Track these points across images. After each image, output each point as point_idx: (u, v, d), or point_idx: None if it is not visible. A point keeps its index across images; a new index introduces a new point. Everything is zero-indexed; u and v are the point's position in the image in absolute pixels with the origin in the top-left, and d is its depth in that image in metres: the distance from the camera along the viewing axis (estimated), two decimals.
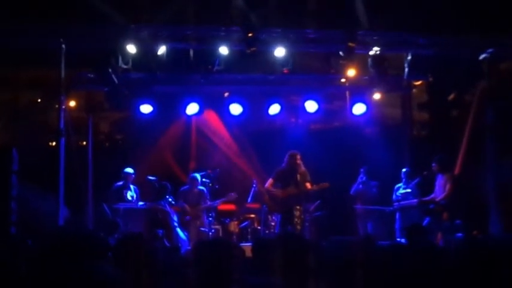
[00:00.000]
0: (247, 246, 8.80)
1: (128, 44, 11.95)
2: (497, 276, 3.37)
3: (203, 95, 14.10)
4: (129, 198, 12.77)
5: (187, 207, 13.03)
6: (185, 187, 13.32)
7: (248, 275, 4.30)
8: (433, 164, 12.59)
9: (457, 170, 13.73)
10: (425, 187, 12.88)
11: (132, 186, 12.96)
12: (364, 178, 13.77)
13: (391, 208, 13.30)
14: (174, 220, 12.63)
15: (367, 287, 3.92)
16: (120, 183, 12.91)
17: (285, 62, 12.74)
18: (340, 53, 12.67)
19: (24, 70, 15.79)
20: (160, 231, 12.04)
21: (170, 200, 12.75)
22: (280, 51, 12.46)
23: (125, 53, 12.05)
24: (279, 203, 12.08)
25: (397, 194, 13.25)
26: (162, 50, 12.16)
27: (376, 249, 5.18)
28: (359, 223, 13.86)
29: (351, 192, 13.93)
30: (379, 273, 4.12)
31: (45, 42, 12.09)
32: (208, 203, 13.17)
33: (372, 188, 13.79)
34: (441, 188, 12.44)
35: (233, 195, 13.32)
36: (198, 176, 13.29)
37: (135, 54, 12.12)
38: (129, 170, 12.98)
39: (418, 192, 13.01)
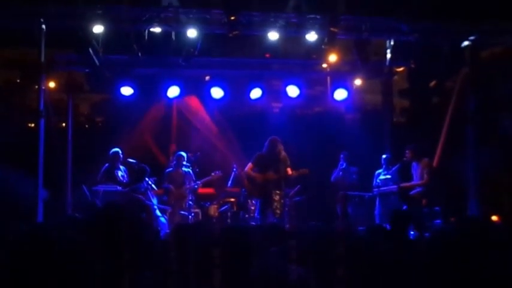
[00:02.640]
0: None
1: (109, 25, 11.84)
2: (468, 263, 3.37)
3: (184, 77, 14.05)
4: (121, 178, 12.69)
5: (172, 188, 12.99)
6: (170, 169, 13.29)
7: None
8: (406, 152, 12.62)
9: (436, 157, 13.81)
10: (405, 173, 12.92)
11: (121, 166, 12.86)
12: (344, 164, 13.80)
13: (371, 194, 13.35)
14: (153, 203, 12.59)
15: (347, 273, 3.91)
16: (109, 163, 12.78)
17: (266, 46, 12.70)
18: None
19: (3, 50, 15.63)
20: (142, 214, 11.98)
21: (150, 182, 12.70)
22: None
23: (105, 34, 11.96)
24: (258, 188, 12.06)
25: (377, 180, 13.29)
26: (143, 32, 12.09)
27: (356, 235, 5.19)
28: (338, 209, 13.91)
29: (331, 178, 13.97)
30: (358, 258, 4.11)
31: (24, 22, 11.95)
32: (193, 183, 13.14)
33: (351, 174, 13.83)
34: (418, 176, 12.48)
35: (218, 173, 13.31)
36: (183, 154, 13.25)
37: (117, 35, 12.02)
38: (117, 149, 12.85)
39: (398, 178, 13.05)
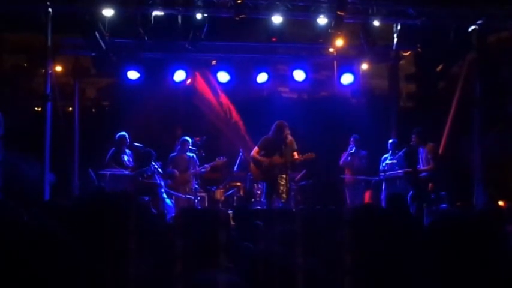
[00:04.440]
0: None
1: (115, 9, 11.83)
2: (469, 250, 3.37)
3: (191, 62, 14.06)
4: (127, 162, 12.72)
5: (176, 172, 13.01)
6: (174, 153, 13.29)
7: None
8: (413, 136, 12.60)
9: (443, 142, 13.80)
10: (411, 158, 12.91)
11: (127, 150, 12.88)
12: (353, 147, 13.69)
13: (377, 178, 13.35)
14: (161, 187, 12.61)
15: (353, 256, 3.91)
16: (116, 147, 12.80)
17: (273, 30, 12.67)
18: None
19: (10, 34, 15.63)
20: (147, 198, 12.01)
21: (157, 166, 12.72)
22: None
23: (106, 18, 11.95)
24: (264, 172, 12.06)
25: (383, 164, 13.29)
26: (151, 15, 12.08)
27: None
28: (347, 193, 13.85)
29: (340, 162, 13.87)
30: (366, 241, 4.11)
31: (31, 6, 11.96)
32: (198, 168, 13.16)
33: (361, 158, 13.70)
34: (424, 161, 12.47)
35: (222, 158, 13.30)
36: (188, 139, 13.25)
37: (123, 19, 12.02)
38: (123, 133, 12.87)
39: (404, 163, 13.03)
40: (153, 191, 12.40)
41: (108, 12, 11.81)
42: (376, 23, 12.81)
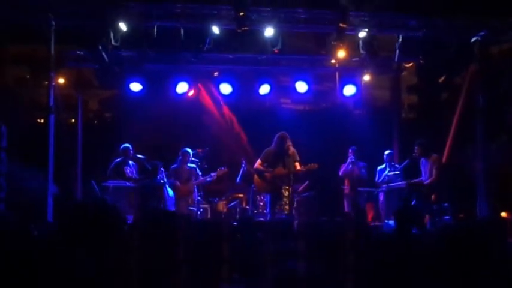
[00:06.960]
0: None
1: (119, 21, 11.86)
2: (475, 260, 3.38)
3: (193, 73, 14.09)
4: (129, 173, 12.72)
5: (178, 184, 12.99)
6: (175, 165, 13.27)
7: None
8: (415, 148, 12.57)
9: (445, 153, 13.79)
10: (414, 169, 12.89)
11: (130, 162, 12.89)
12: (352, 159, 13.67)
13: (380, 190, 13.31)
14: (170, 196, 12.59)
15: (356, 266, 3.93)
16: (119, 159, 12.83)
17: (275, 42, 12.69)
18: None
19: (12, 46, 15.68)
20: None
21: (159, 178, 12.71)
22: (269, 31, 12.38)
23: (115, 31, 11.97)
24: (268, 184, 12.06)
25: (384, 175, 13.25)
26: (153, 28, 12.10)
27: (366, 230, 5.20)
28: (347, 204, 13.83)
29: (340, 173, 13.86)
30: (368, 253, 4.13)
31: (34, 18, 11.99)
32: (200, 178, 13.14)
33: (360, 168, 13.74)
34: (427, 172, 12.43)
35: (223, 169, 13.28)
36: (189, 150, 13.24)
37: (126, 32, 12.04)
38: (127, 145, 12.89)
39: (406, 174, 13.01)
40: (161, 202, 12.39)
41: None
42: (377, 34, 12.83)
